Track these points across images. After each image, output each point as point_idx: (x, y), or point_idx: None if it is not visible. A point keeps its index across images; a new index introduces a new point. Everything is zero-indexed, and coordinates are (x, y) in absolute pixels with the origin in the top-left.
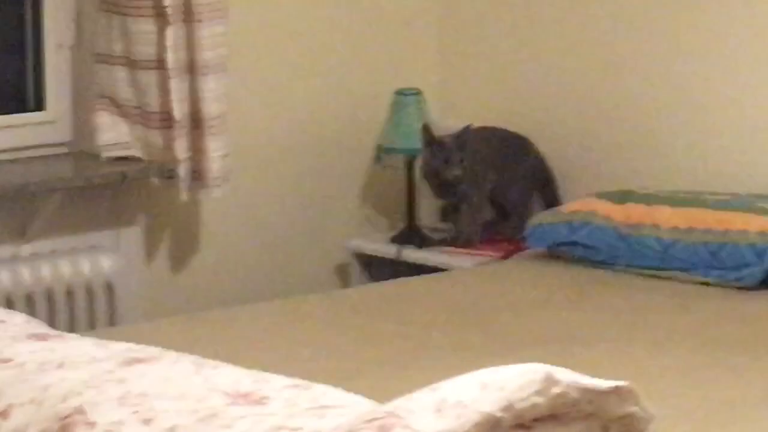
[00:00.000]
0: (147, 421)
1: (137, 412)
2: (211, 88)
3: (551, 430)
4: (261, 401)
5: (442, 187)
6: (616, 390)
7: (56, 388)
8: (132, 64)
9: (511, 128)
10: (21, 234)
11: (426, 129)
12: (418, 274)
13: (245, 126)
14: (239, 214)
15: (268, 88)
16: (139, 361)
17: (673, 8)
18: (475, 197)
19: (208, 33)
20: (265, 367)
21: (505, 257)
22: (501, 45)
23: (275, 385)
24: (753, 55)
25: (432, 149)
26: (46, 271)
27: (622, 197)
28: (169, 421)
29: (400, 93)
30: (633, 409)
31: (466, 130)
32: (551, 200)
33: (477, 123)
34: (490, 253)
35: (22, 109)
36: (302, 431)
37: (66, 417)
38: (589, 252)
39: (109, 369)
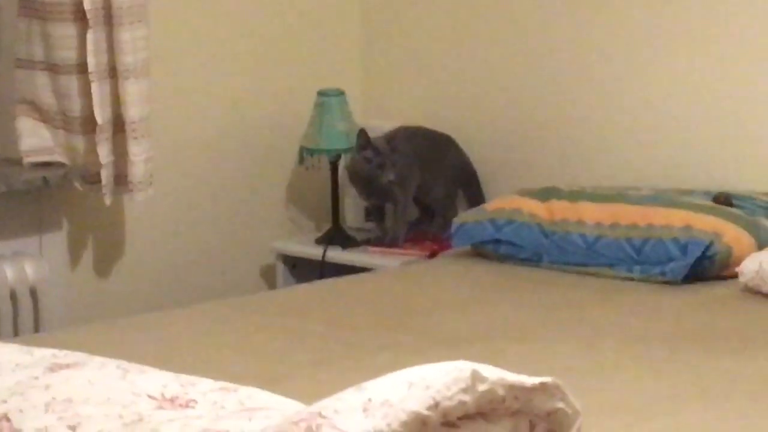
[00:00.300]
0: (73, 427)
1: (62, 418)
2: (133, 91)
3: (478, 428)
4: (188, 405)
5: (369, 188)
6: (542, 386)
7: None
8: (53, 68)
9: (435, 127)
10: None
11: (362, 133)
12: (344, 274)
13: (168, 129)
14: (163, 217)
15: (190, 90)
16: (64, 366)
17: (592, 7)
18: (400, 197)
19: (129, 36)
20: (192, 371)
21: (431, 256)
22: (424, 45)
23: (202, 388)
24: (671, 52)
25: (367, 153)
26: None
27: (545, 194)
28: (95, 426)
29: (323, 94)
30: (560, 404)
31: (398, 132)
32: (475, 199)
33: (400, 123)
34: (416, 253)
35: None
36: None
37: None
38: (513, 249)
39: (34, 375)
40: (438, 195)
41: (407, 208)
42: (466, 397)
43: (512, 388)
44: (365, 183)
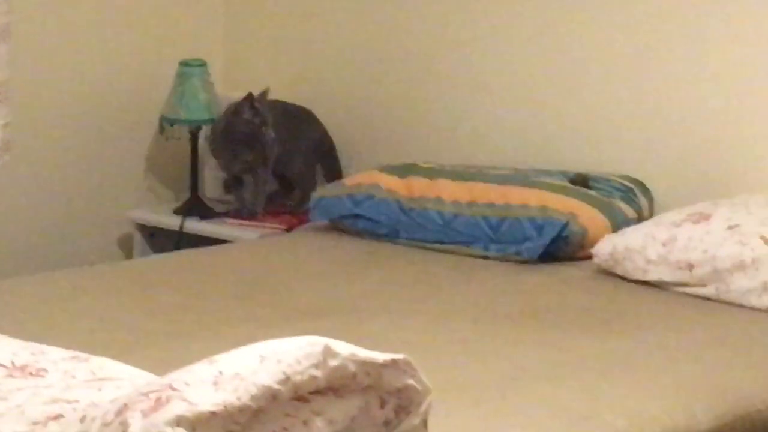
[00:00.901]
0: None
1: None
2: None
3: (329, 403)
4: (38, 373)
5: (246, 148)
6: (393, 363)
7: None
8: None
9: (295, 101)
10: None
11: (249, 95)
12: (202, 246)
13: (28, 94)
14: (20, 184)
15: (51, 56)
16: None
17: None
18: (259, 169)
19: None
20: (44, 340)
21: (289, 229)
22: (286, 18)
23: (53, 357)
24: (530, 28)
25: (246, 114)
26: None
27: (404, 171)
28: None
29: (185, 64)
30: (410, 381)
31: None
32: (334, 173)
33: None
34: (274, 226)
35: None
36: (79, 404)
37: None
38: (371, 225)
39: None
40: (297, 168)
41: (265, 181)
42: (318, 372)
43: (363, 364)
44: (245, 142)
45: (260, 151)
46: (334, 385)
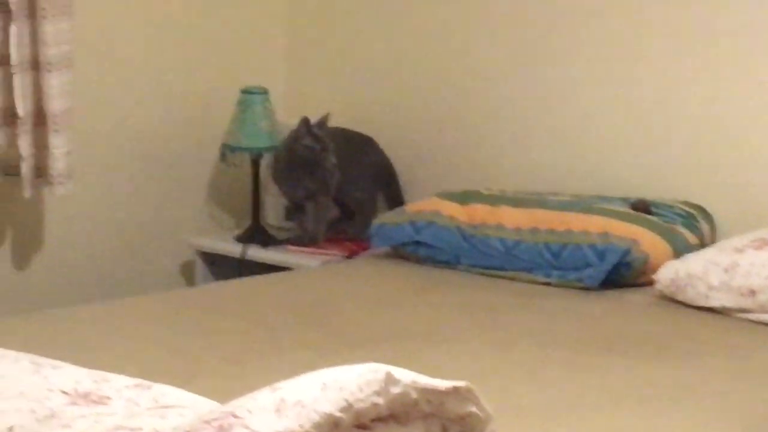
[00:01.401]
0: None
1: None
2: (55, 84)
3: (391, 430)
4: (101, 401)
5: (308, 176)
6: (455, 390)
7: None
8: None
9: (357, 128)
10: None
11: (305, 120)
12: (263, 273)
13: (90, 123)
14: (84, 211)
15: (114, 84)
16: None
17: (512, 13)
18: (320, 196)
19: (52, 29)
20: (108, 367)
21: (350, 256)
22: (347, 45)
23: (116, 384)
24: (591, 58)
25: (307, 141)
26: None
27: (465, 198)
28: (6, 421)
29: (246, 91)
30: (472, 409)
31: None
32: (395, 200)
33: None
34: (335, 253)
35: None
36: (142, 431)
37: None
38: (433, 252)
39: None
40: (358, 195)
41: (327, 207)
42: (379, 400)
43: (425, 391)
44: (306, 168)
45: (321, 178)
46: (396, 413)
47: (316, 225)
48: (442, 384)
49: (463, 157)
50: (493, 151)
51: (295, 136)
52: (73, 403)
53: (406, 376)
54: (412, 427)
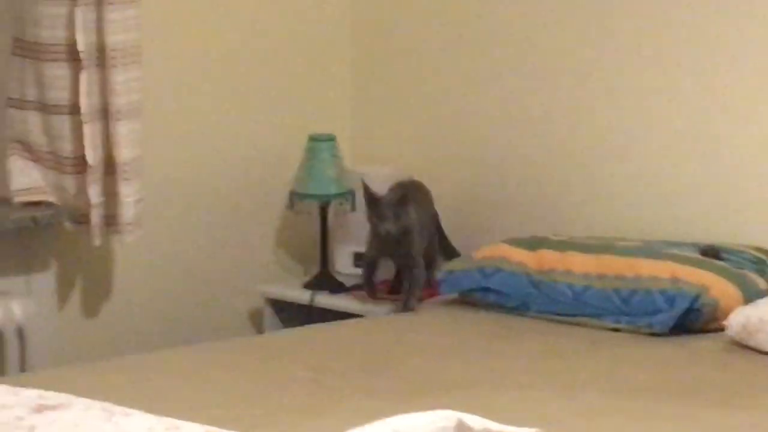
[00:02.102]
0: None
1: None
2: (124, 132)
3: None
4: None
5: (394, 254)
6: None
7: None
8: (45, 108)
9: (425, 173)
10: None
11: (365, 187)
12: (332, 320)
13: (159, 171)
14: (152, 259)
15: (181, 132)
16: (50, 408)
17: (582, 56)
18: (412, 267)
19: (122, 78)
20: (177, 414)
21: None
22: (414, 90)
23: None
24: (659, 101)
25: (388, 225)
26: None
27: (534, 244)
28: None
29: (314, 139)
30: None
31: (401, 186)
32: (447, 248)
33: (390, 168)
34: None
35: None
36: None
37: None
38: (501, 298)
39: (18, 416)
40: (426, 247)
41: (420, 277)
42: None
43: None
44: (393, 250)
45: (408, 250)
46: None
47: (412, 294)
48: (513, 430)
49: (531, 203)
50: (561, 196)
51: (375, 222)
52: None
53: (477, 423)
54: None
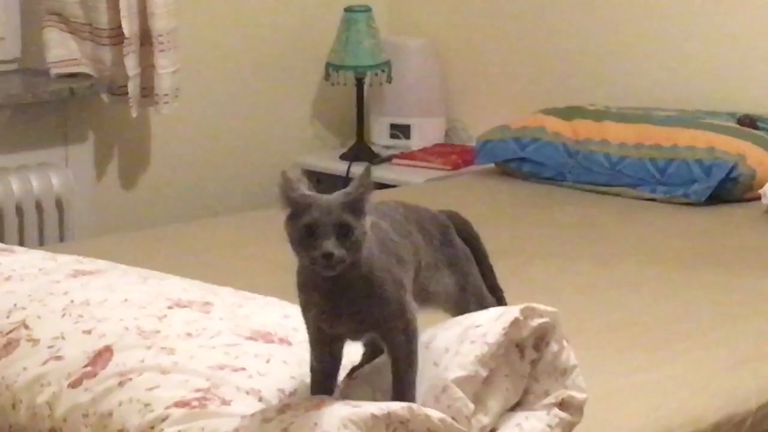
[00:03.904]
0: (88, 331)
1: (78, 322)
2: (161, 3)
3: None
4: (206, 309)
5: None
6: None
7: (1, 302)
8: None
9: (458, 45)
10: None
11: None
12: None
13: (196, 42)
14: (189, 130)
15: (218, 4)
16: (87, 273)
17: None
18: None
19: None
20: (213, 281)
21: (454, 169)
22: None
23: (222, 294)
24: None
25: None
26: None
27: (570, 113)
28: (110, 328)
29: (350, 10)
30: (536, 322)
31: None
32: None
33: (424, 41)
34: (440, 167)
35: None
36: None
37: (10, 332)
38: (537, 168)
39: (55, 280)
40: None
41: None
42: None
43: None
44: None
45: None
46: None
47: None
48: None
49: (567, 73)
50: (598, 66)
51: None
52: (179, 310)
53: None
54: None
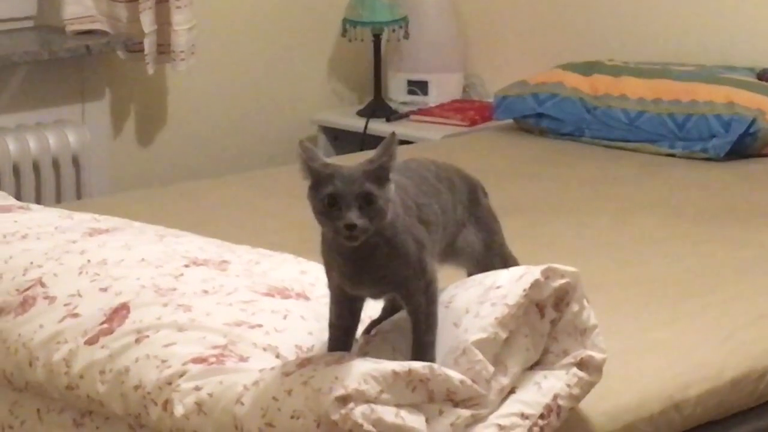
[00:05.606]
0: (105, 289)
1: (95, 280)
2: None
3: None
4: (222, 266)
5: None
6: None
7: (18, 260)
8: None
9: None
10: None
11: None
12: None
13: None
14: (205, 87)
15: None
16: (103, 231)
17: None
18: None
19: None
20: (230, 239)
21: (472, 125)
22: None
23: (239, 252)
24: None
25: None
26: (12, 145)
27: (588, 69)
28: (126, 286)
29: None
30: (557, 283)
31: None
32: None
33: None
34: (457, 123)
35: None
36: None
37: (26, 290)
38: (556, 124)
39: (72, 239)
40: None
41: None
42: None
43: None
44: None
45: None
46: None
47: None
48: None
49: (586, 28)
50: (616, 20)
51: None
52: (195, 267)
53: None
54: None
